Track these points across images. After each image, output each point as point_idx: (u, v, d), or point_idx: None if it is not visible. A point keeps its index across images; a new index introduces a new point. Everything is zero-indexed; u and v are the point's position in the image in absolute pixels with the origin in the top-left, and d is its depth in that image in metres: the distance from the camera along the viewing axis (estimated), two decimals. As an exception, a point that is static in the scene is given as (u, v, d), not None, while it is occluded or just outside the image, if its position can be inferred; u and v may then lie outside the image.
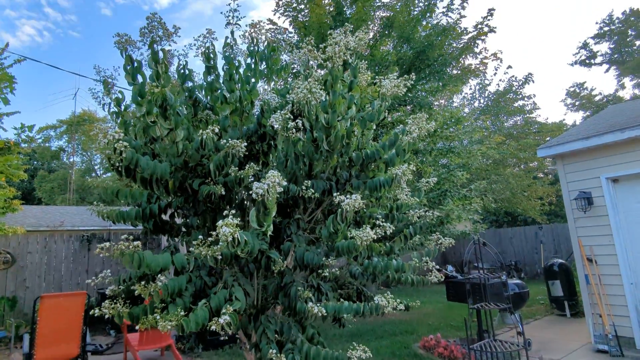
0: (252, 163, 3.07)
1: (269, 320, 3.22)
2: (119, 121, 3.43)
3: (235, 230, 2.32)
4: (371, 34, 9.64)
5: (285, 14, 9.86)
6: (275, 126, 3.09)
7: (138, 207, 3.41)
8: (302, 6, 9.59)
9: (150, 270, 2.74)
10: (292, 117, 3.05)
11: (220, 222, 2.28)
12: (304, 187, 3.12)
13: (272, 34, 9.00)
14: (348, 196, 2.82)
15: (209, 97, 3.66)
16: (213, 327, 2.47)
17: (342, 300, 3.28)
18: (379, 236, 3.28)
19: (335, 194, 2.88)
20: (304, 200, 3.62)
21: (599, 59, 24.59)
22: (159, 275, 2.65)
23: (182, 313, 2.51)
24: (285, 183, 2.55)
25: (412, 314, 8.56)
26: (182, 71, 3.51)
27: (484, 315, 5.05)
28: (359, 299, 4.32)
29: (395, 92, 3.37)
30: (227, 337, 5.64)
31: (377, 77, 5.29)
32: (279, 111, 3.05)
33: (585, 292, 6.24)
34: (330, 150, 3.40)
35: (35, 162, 32.48)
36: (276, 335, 3.39)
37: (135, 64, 2.96)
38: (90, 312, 2.70)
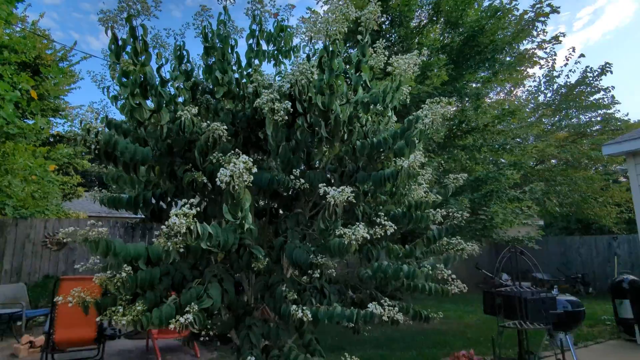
0: (237, 150, 2.79)
1: (255, 323, 2.94)
2: (119, 105, 3.33)
3: (190, 222, 2.06)
4: (417, 21, 8.99)
5: (328, 2, 9.53)
6: (264, 109, 2.78)
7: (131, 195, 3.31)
8: (345, -7, 9.19)
9: (122, 258, 2.59)
10: (278, 98, 2.72)
11: (172, 212, 2.04)
12: (292, 177, 2.78)
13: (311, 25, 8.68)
14: (334, 188, 2.45)
15: (209, 81, 3.46)
16: (172, 326, 2.24)
17: (336, 306, 2.90)
18: (379, 236, 2.86)
19: (320, 185, 2.51)
20: (304, 193, 3.30)
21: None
22: (125, 266, 2.47)
23: (140, 308, 2.31)
24: (255, 170, 2.25)
25: (452, 324, 7.86)
26: (178, 52, 3.34)
27: (524, 335, 4.37)
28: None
29: (406, 71, 2.90)
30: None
31: (425, 67, 4.73)
32: (264, 91, 2.74)
33: (660, 316, 5.22)
34: (330, 138, 3.03)
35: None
36: (265, 341, 3.11)
37: (120, 43, 2.82)
38: (55, 299, 2.62)
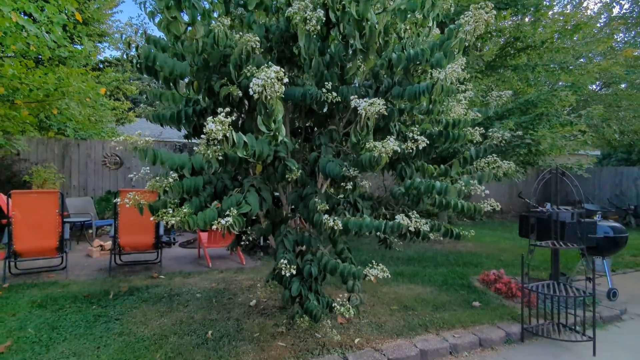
0: (270, 62, 2.80)
1: (289, 231, 3.18)
2: (156, 21, 3.36)
3: (226, 129, 2.17)
4: None
5: None
6: (296, 19, 2.70)
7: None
8: None
9: (169, 166, 2.82)
10: (310, 6, 2.62)
11: (209, 119, 2.15)
12: (324, 90, 2.78)
13: None
14: (365, 100, 2.43)
15: (241, -8, 3.36)
16: (214, 227, 2.48)
17: (366, 217, 3.05)
18: (410, 150, 2.87)
19: (351, 97, 2.50)
20: (338, 110, 3.30)
21: None
22: (172, 173, 2.70)
23: (186, 210, 2.56)
24: (287, 80, 2.27)
25: (487, 248, 7.97)
26: (210, -39, 3.23)
27: (557, 257, 4.40)
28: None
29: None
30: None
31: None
32: (295, 0, 2.64)
33: None
34: (365, 50, 2.93)
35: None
36: (300, 247, 3.37)
37: (152, -49, 2.77)
38: (114, 201, 2.94)
